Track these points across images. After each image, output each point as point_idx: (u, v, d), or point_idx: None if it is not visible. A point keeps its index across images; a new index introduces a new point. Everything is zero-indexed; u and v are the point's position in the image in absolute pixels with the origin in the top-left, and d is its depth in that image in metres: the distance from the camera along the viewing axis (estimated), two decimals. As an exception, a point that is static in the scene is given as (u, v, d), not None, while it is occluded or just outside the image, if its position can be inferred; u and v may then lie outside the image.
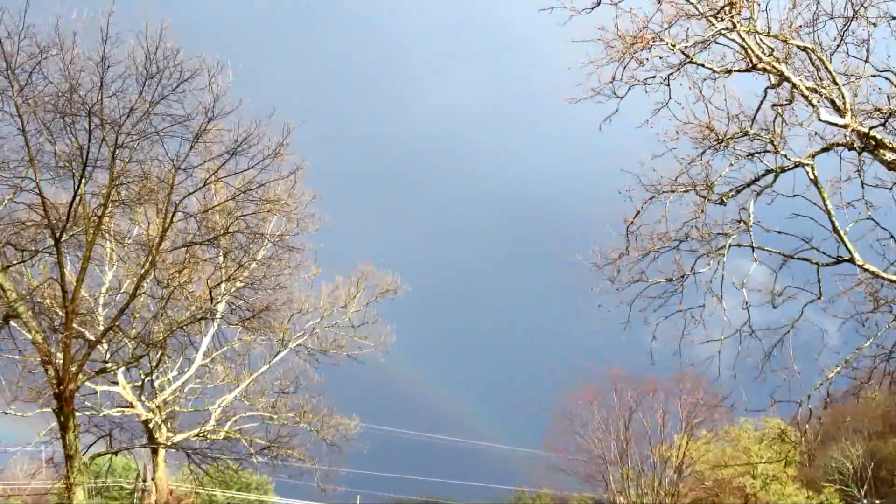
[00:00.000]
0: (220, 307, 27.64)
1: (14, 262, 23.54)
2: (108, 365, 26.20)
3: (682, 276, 19.54)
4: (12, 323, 24.32)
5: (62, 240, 22.03)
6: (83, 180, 21.52)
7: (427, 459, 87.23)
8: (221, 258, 27.01)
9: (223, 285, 26.71)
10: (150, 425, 29.84)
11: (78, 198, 21.62)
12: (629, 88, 18.60)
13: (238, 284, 27.67)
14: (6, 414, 26.55)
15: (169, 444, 29.88)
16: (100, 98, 20.65)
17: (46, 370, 23.00)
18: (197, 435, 31.04)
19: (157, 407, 29.92)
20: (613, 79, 18.29)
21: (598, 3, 18.32)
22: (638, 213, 19.15)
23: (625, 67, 18.17)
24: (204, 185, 23.21)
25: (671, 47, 17.89)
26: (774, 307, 19.42)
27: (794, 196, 18.57)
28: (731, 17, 17.36)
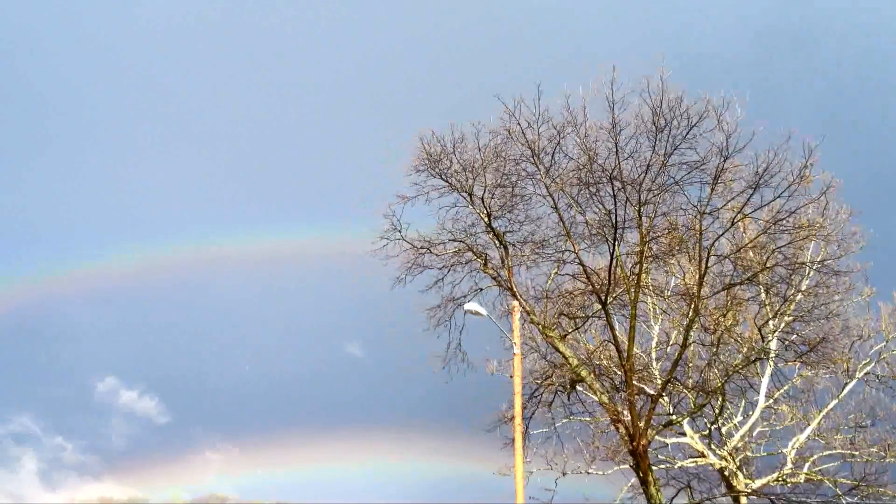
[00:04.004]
0: (773, 345, 26.49)
1: (569, 331, 25.25)
2: (673, 417, 26.49)
3: None
4: (578, 387, 26.00)
5: (608, 302, 23.09)
6: (616, 243, 22.42)
7: None
8: (764, 295, 25.98)
9: (771, 322, 25.62)
10: (726, 473, 29.35)
11: (614, 260, 22.55)
12: None
13: (787, 319, 26.32)
14: (589, 473, 28.18)
15: (749, 491, 29.08)
16: (617, 162, 21.51)
17: (617, 428, 24.01)
18: (776, 480, 29.76)
19: (729, 454, 29.34)
20: None
21: None
22: None
23: None
24: (731, 225, 22.65)
25: None
26: None
27: None
28: None
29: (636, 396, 24.09)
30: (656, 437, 26.52)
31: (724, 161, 21.05)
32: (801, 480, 30.14)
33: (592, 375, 24.49)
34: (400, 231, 24.72)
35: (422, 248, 24.92)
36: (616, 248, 22.45)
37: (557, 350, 24.17)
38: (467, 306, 24.46)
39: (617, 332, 23.92)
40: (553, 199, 22.99)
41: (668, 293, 26.39)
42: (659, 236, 23.09)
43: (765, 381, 29.34)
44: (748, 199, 21.63)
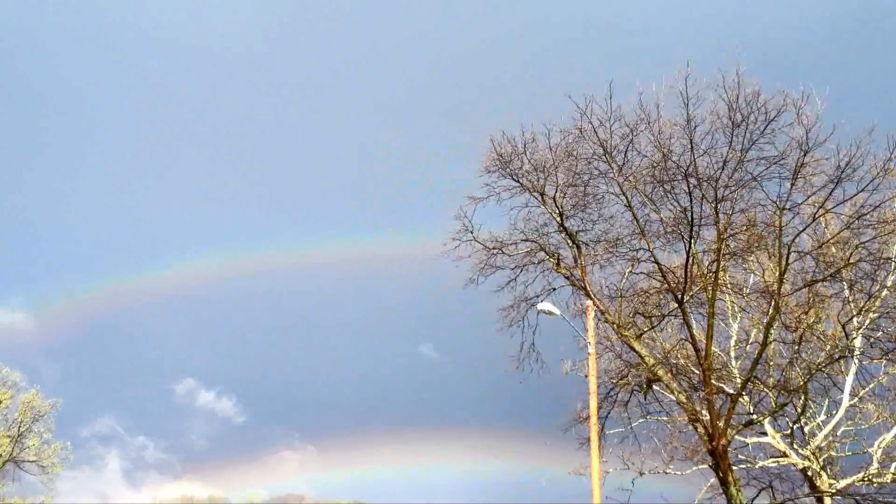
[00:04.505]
0: (857, 342, 25.73)
1: (645, 330, 24.91)
2: (754, 416, 25.95)
3: None
4: (655, 386, 25.64)
5: (684, 301, 22.73)
6: (692, 240, 22.07)
7: None
8: (847, 291, 25.25)
9: (855, 319, 24.88)
10: (809, 473, 28.65)
11: (691, 258, 22.20)
12: None
13: (872, 315, 25.49)
14: (666, 473, 27.79)
15: (833, 491, 28.34)
16: (693, 159, 21.16)
17: (695, 428, 23.65)
18: (862, 480, 28.92)
19: (813, 454, 28.63)
20: None
21: None
22: None
23: None
24: (813, 221, 22.10)
25: None
26: None
27: None
28: None
29: (715, 395, 23.71)
30: (736, 437, 26.04)
31: (804, 155, 20.52)
32: (888, 480, 29.23)
33: (669, 375, 24.15)
34: (472, 232, 24.74)
35: (494, 248, 24.88)
36: (692, 245, 22.11)
37: (633, 349, 23.90)
38: (540, 306, 24.30)
39: (694, 331, 23.56)
40: (626, 198, 22.74)
41: (747, 291, 25.84)
42: (737, 233, 22.62)
43: (849, 379, 28.54)
44: (830, 194, 21.05)
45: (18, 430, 49.39)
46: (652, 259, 23.11)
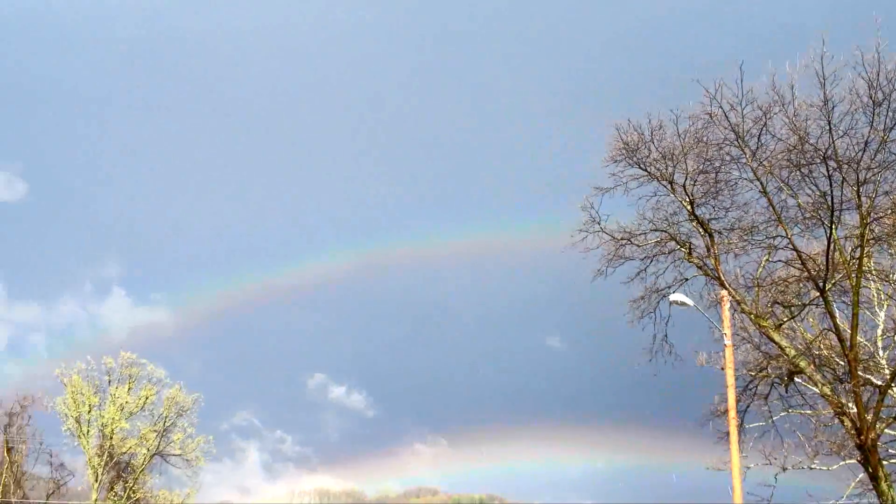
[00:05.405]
0: None
1: (784, 320, 24.05)
2: (906, 410, 24.73)
3: None
4: (797, 379, 24.73)
5: (826, 289, 21.82)
6: (833, 226, 21.16)
7: None
8: None
9: None
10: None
11: (832, 244, 21.30)
12: None
13: None
14: (811, 468, 26.79)
15: None
16: (831, 141, 20.27)
17: (842, 421, 22.69)
18: None
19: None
20: None
21: None
22: None
23: None
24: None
25: None
26: None
27: None
28: None
29: (862, 387, 22.67)
30: (886, 431, 24.82)
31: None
32: None
33: (812, 366, 23.23)
34: (599, 223, 24.47)
35: (622, 238, 24.54)
36: (833, 231, 21.17)
37: (772, 340, 23.12)
38: (673, 297, 23.82)
39: (838, 320, 22.59)
40: (761, 183, 21.98)
41: (894, 277, 24.60)
42: (881, 217, 21.51)
43: None
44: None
45: (164, 425, 51.74)
46: (790, 246, 22.29)
